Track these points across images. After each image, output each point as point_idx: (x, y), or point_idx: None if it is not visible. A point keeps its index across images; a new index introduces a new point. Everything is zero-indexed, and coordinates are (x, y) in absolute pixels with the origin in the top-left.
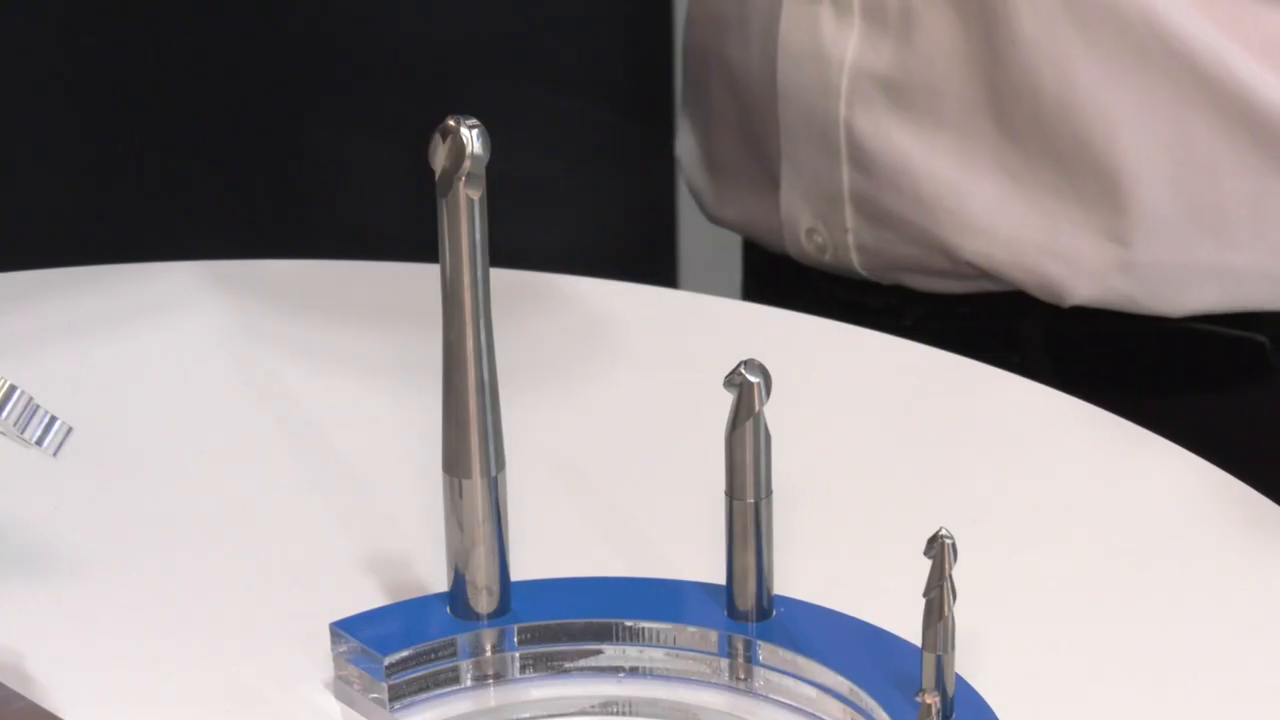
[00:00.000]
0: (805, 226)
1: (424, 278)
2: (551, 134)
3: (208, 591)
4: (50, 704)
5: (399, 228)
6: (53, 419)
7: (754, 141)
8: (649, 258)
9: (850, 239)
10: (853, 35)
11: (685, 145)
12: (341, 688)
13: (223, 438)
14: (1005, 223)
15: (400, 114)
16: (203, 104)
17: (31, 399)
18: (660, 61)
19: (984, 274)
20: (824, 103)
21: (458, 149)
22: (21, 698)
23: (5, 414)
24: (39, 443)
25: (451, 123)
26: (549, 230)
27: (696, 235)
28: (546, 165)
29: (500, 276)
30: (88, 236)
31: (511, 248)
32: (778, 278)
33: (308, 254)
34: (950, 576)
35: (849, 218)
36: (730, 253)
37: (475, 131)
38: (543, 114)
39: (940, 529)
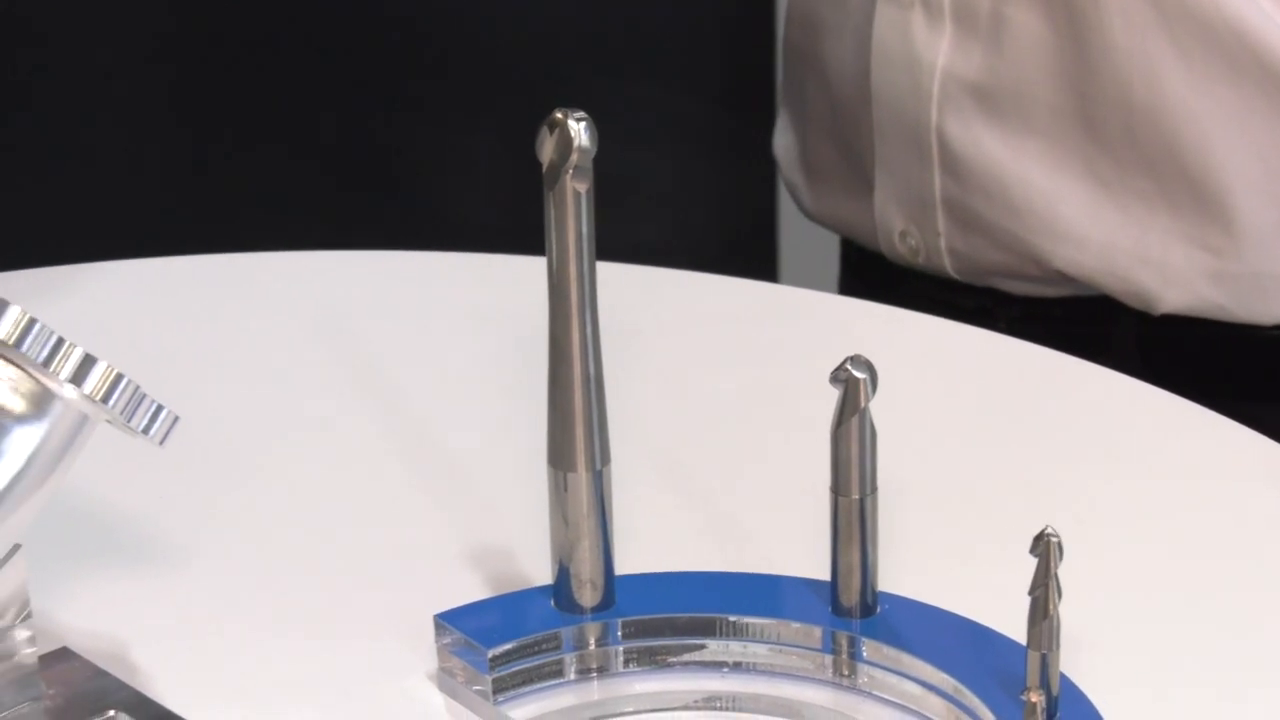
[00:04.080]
0: (898, 229)
1: (529, 270)
2: (653, 129)
3: (312, 583)
4: (154, 693)
5: (503, 220)
6: (159, 408)
7: (848, 143)
8: (750, 252)
9: (942, 243)
10: (944, 40)
11: (783, 143)
12: (445, 680)
13: (327, 430)
14: (1096, 230)
15: (504, 107)
16: (306, 96)
17: (138, 388)
18: (762, 58)
19: (1074, 281)
20: (916, 107)
21: (565, 141)
22: (126, 687)
23: (112, 403)
24: (145, 431)
25: (559, 115)
26: (650, 224)
27: (797, 230)
28: (648, 160)
29: (604, 270)
30: (187, 228)
31: (613, 242)
32: (874, 275)
33: (412, 246)
34: (1056, 575)
35: (941, 222)
36: (830, 248)
37: (583, 124)
38: (645, 109)
39: (1046, 527)
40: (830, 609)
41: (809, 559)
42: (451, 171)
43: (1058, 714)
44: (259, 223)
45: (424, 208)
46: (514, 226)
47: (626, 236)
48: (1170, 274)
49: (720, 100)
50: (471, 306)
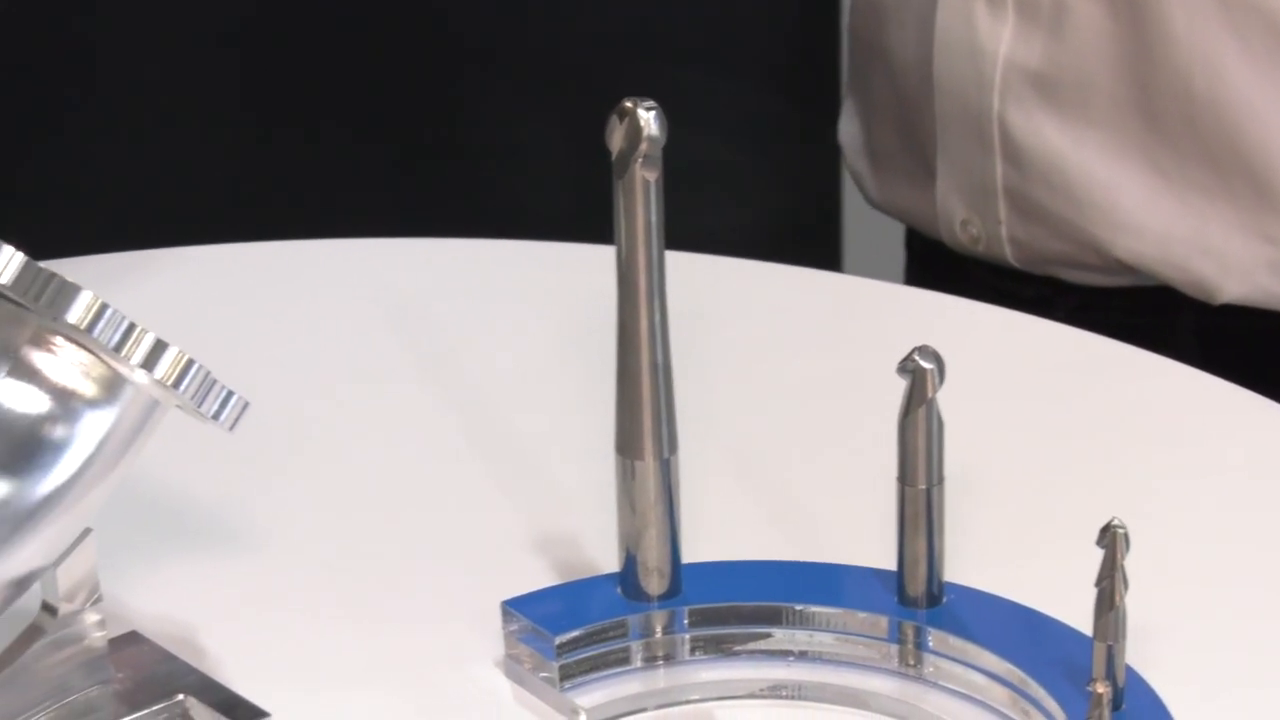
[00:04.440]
0: (960, 217)
1: (596, 258)
2: (717, 118)
3: (380, 569)
4: (222, 677)
5: (568, 208)
6: (229, 393)
7: (911, 131)
8: (813, 241)
9: (1003, 231)
10: (1006, 29)
11: (848, 131)
12: (512, 666)
13: (396, 417)
14: (1155, 220)
15: (570, 95)
16: (375, 83)
17: (209, 373)
18: (826, 46)
19: (1134, 271)
20: (978, 96)
21: (634, 130)
22: (195, 671)
23: (183, 388)
24: (215, 417)
25: (628, 104)
26: (712, 213)
27: (860, 220)
28: (711, 149)
29: (669, 258)
30: (256, 214)
31: (676, 230)
32: (938, 264)
33: (479, 233)
34: (1122, 566)
35: (1002, 211)
36: (893, 238)
37: (652, 113)
38: (709, 98)
39: (1113, 519)
40: (896, 599)
41: (875, 549)
42: (518, 159)
43: (1123, 705)
44: (327, 209)
45: (491, 195)
46: (580, 214)
47: (689, 225)
48: (1229, 264)
49: (784, 89)
50: (539, 294)
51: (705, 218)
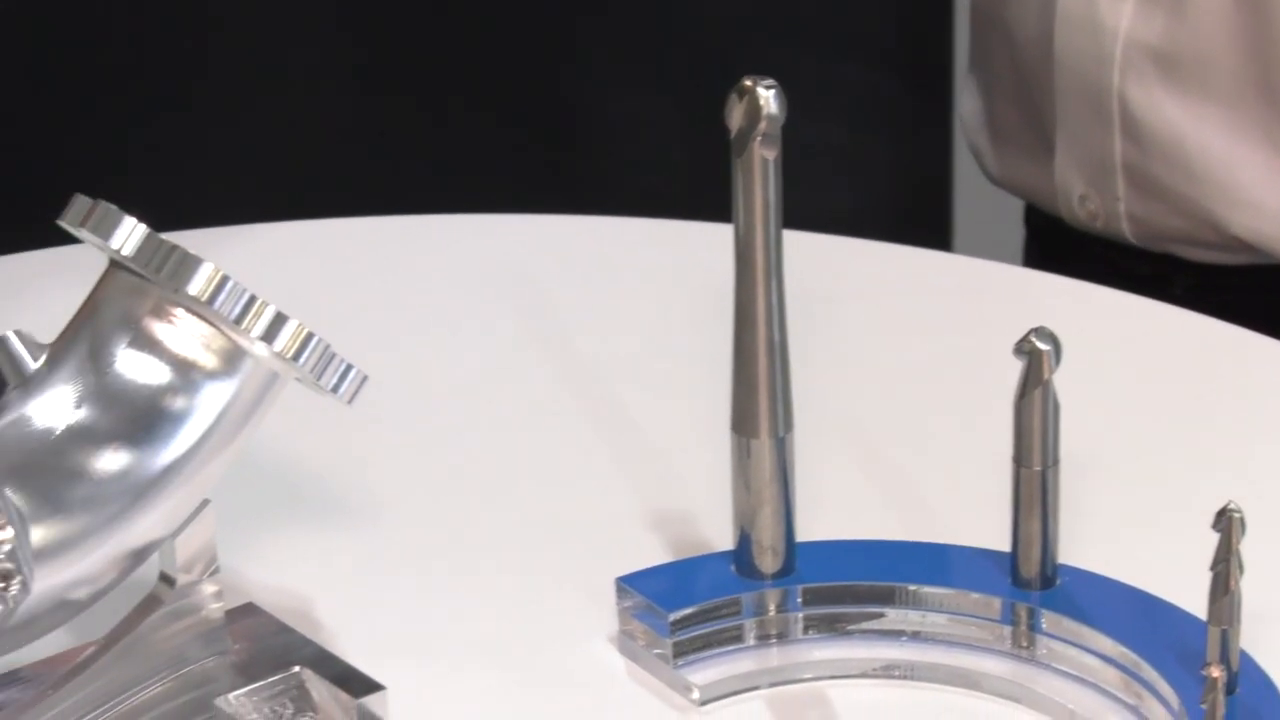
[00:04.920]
0: (1078, 193)
1: (711, 236)
2: (828, 97)
3: (495, 544)
4: (337, 649)
5: (681, 186)
6: (348, 367)
7: (1031, 106)
8: (923, 221)
9: (1121, 208)
10: (1128, 5)
11: (968, 107)
12: (625, 642)
13: (512, 392)
14: (1273, 197)
15: (682, 76)
16: (491, 61)
17: (329, 347)
18: (937, 25)
19: (1252, 248)
20: (1098, 71)
21: (754, 109)
22: (310, 643)
23: (302, 361)
24: (334, 390)
25: (748, 82)
26: (823, 192)
27: (972, 199)
28: (822, 128)
29: (785, 238)
30: (380, 190)
31: (788, 209)
32: (1056, 240)
33: (595, 211)
34: (1238, 550)
35: (1120, 187)
36: (1005, 218)
37: (772, 92)
38: (821, 77)
39: (1229, 503)
40: (1010, 580)
41: (989, 530)
42: (634, 138)
43: (1237, 689)
44: (448, 186)
45: (607, 173)
46: (694, 193)
47: (800, 204)
48: None
49: (895, 69)
50: (655, 271)
51: (816, 197)
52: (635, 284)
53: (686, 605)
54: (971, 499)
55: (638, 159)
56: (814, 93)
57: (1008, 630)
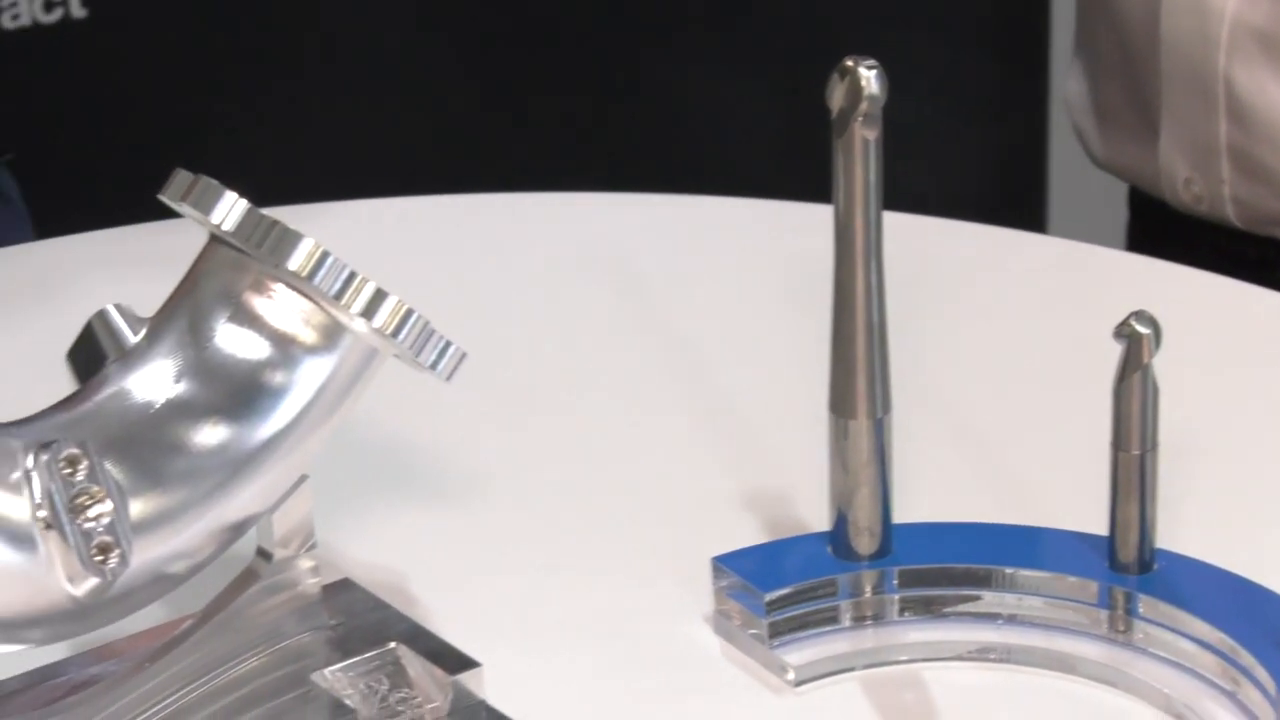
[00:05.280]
0: (1182, 176)
1: (808, 216)
2: (923, 78)
3: (591, 522)
4: (432, 626)
5: (778, 168)
6: (447, 344)
7: (1137, 89)
8: (1019, 204)
9: (1226, 191)
10: None
11: (1073, 88)
12: (721, 622)
13: (608, 372)
14: None
15: (777, 55)
16: (589, 40)
17: (427, 323)
18: (1034, 6)
19: None
20: (1204, 54)
21: (855, 89)
22: (406, 619)
23: (401, 337)
24: (433, 367)
25: (849, 63)
26: (918, 174)
27: (1066, 181)
28: (917, 109)
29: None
30: (468, 169)
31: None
32: (1160, 222)
33: (689, 190)
34: None
35: (1225, 170)
36: (1104, 200)
37: (874, 72)
38: (916, 58)
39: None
40: (1107, 564)
41: (1087, 514)
42: (728, 117)
43: None
44: (537, 164)
45: (701, 152)
46: (787, 173)
47: (896, 186)
48: None
49: (992, 50)
50: (750, 251)
51: (909, 179)
52: (731, 264)
53: (782, 586)
54: (1069, 482)
55: (733, 138)
56: (910, 74)
57: (1104, 614)
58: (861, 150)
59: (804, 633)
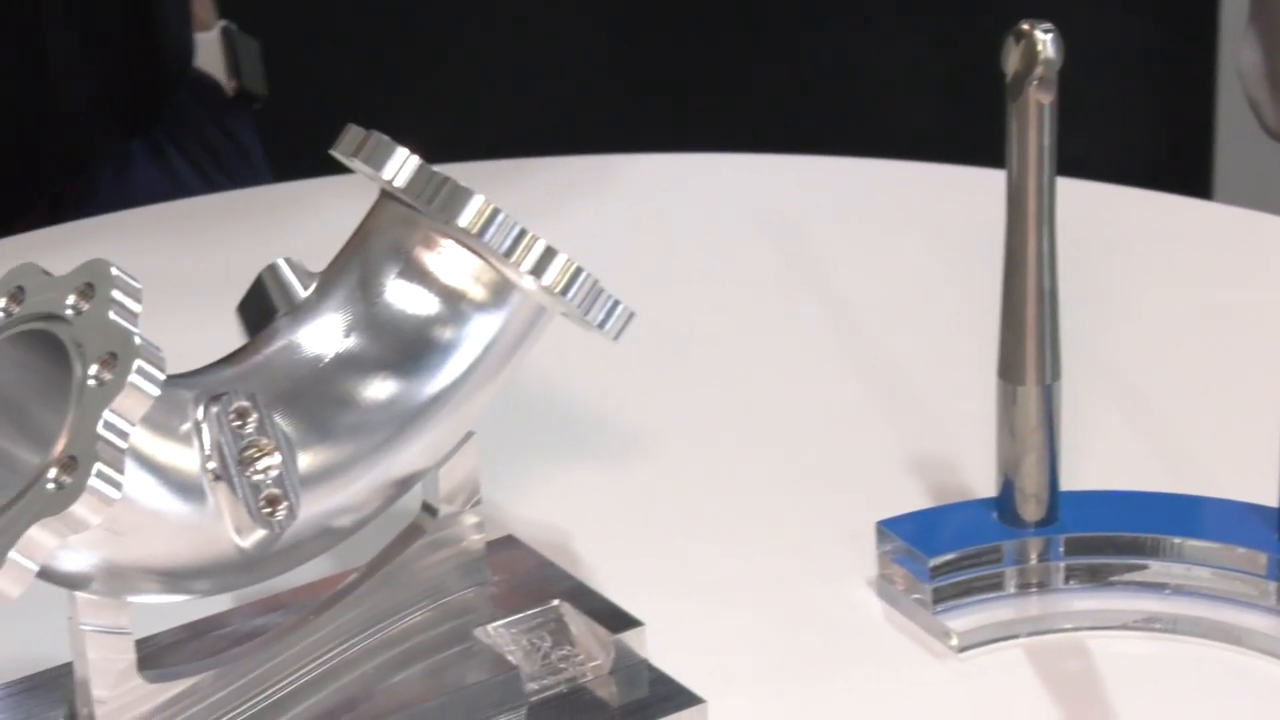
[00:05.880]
0: None
1: (972, 181)
2: (1087, 45)
3: (755, 484)
4: (595, 584)
5: (940, 130)
6: (615, 303)
7: None
8: (1184, 171)
9: None
10: None
11: (1247, 58)
12: (884, 586)
13: (773, 333)
14: None
15: (948, 18)
16: (760, 6)
17: (596, 282)
18: None
19: None
20: None
21: (1030, 53)
22: (569, 577)
23: (570, 296)
24: (601, 326)
25: (1025, 26)
26: (1084, 140)
27: (1235, 150)
28: (1084, 76)
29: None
30: (638, 130)
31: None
32: None
33: (852, 153)
34: None
35: None
36: (1273, 169)
37: (1050, 36)
38: (1082, 24)
39: None
40: (1277, 535)
41: (1257, 483)
42: (891, 78)
43: None
44: (710, 124)
45: (863, 113)
46: (949, 135)
47: (1061, 150)
48: None
49: (1160, 16)
50: (919, 215)
51: (1076, 144)
52: (899, 227)
53: (947, 551)
54: (1239, 452)
55: (898, 100)
56: (1078, 40)
57: (1273, 586)
58: (1036, 114)
59: (968, 599)
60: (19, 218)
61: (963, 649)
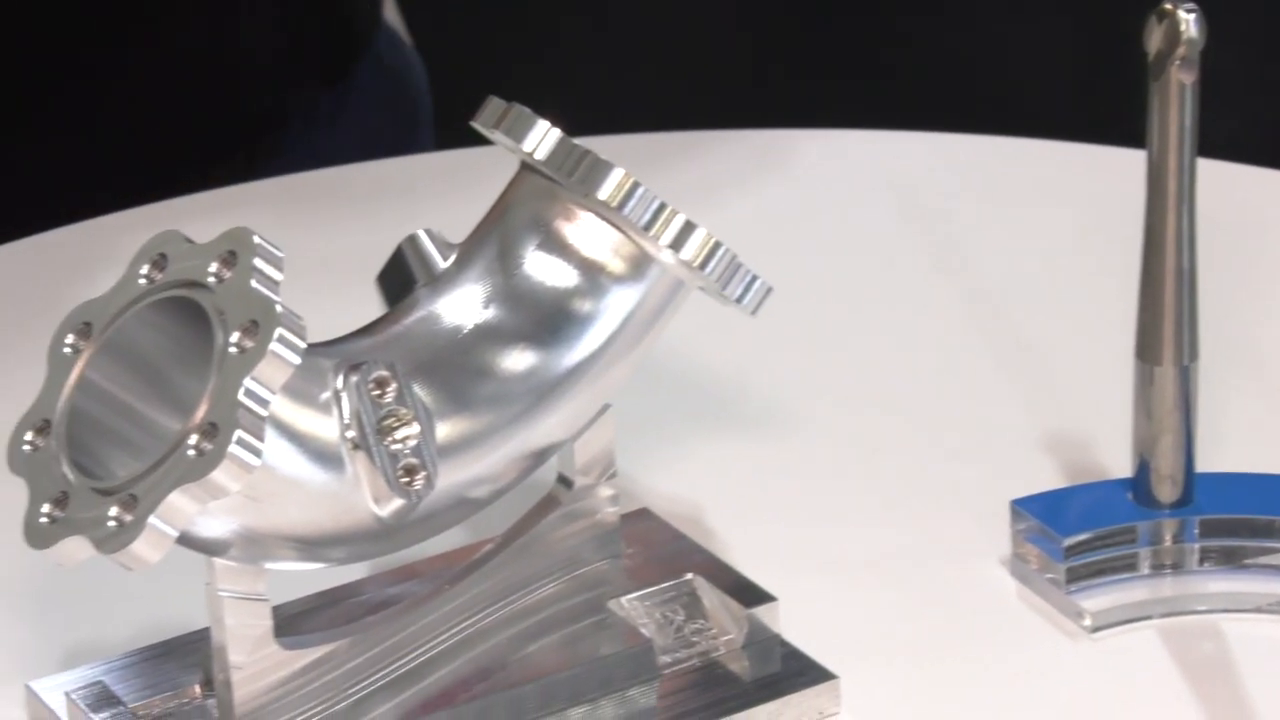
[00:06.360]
0: None
1: (1107, 160)
2: (1225, 23)
3: (890, 460)
4: (728, 558)
5: (1074, 108)
6: (753, 278)
7: None
8: None
9: None
10: None
11: None
12: (1018, 565)
13: (910, 310)
14: None
15: None
16: None
17: (735, 256)
18: None
19: None
20: None
21: (1173, 32)
22: (703, 551)
23: (709, 270)
24: (739, 300)
25: (1168, 5)
26: (1225, 119)
27: None
28: (1222, 56)
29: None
30: (767, 104)
31: None
32: None
33: (986, 130)
34: None
35: None
36: None
37: (1193, 16)
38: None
39: None
40: None
41: None
42: (1027, 55)
43: None
44: (841, 100)
45: (1006, 92)
46: (1093, 116)
47: (1202, 130)
48: None
49: None
50: (1056, 194)
51: (1219, 124)
52: (1036, 206)
53: (1081, 531)
54: None
55: (1034, 78)
56: (1214, 18)
57: None
58: (1178, 94)
59: (1101, 579)
60: (212, 172)
61: (1096, 629)
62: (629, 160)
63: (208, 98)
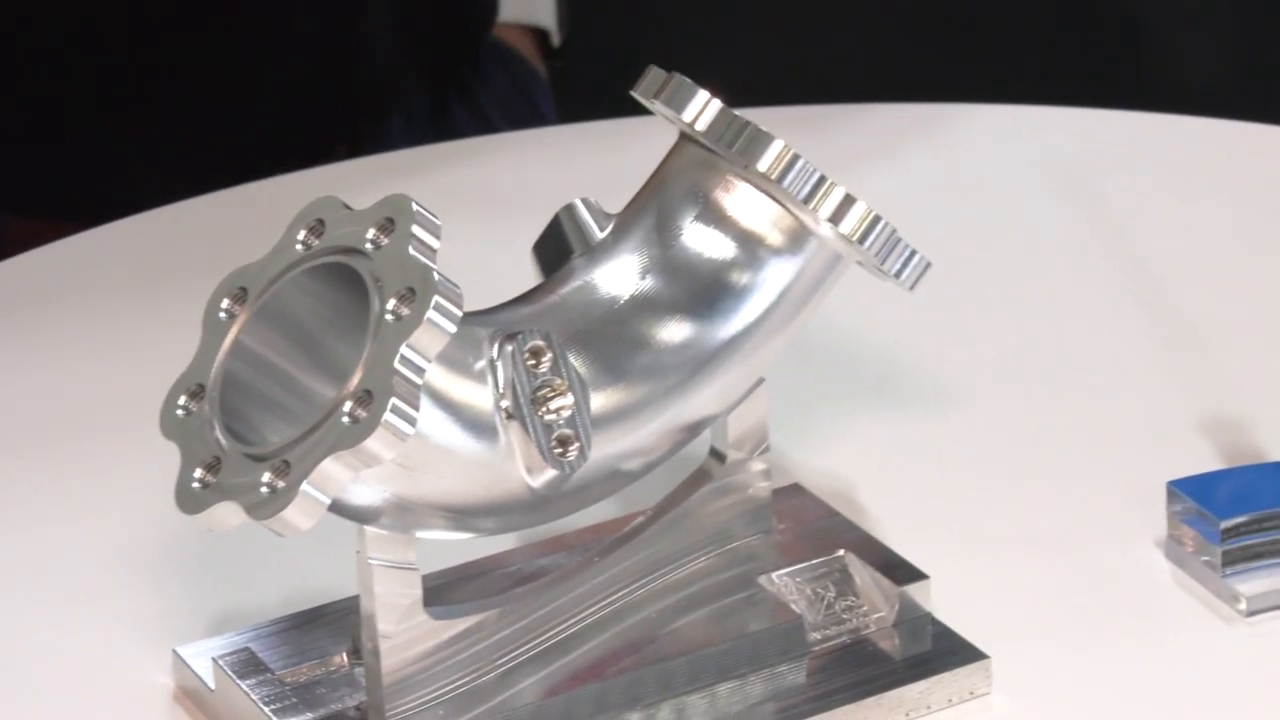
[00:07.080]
0: None
1: (1270, 140)
2: None
3: (1045, 439)
4: (880, 535)
5: (1231, 86)
6: (912, 253)
7: None
8: None
9: None
10: None
11: None
12: (1172, 547)
13: (1066, 288)
14: None
15: None
16: None
17: (894, 231)
18: None
19: None
20: None
21: None
22: (855, 528)
23: (868, 244)
24: (897, 276)
25: None
26: None
27: None
28: None
29: None
30: (919, 80)
31: None
32: None
33: (1142, 107)
34: None
35: None
36: None
37: None
38: None
39: None
40: None
41: None
42: (1184, 32)
43: None
44: (996, 77)
45: (1165, 69)
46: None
47: None
48: None
49: None
50: (1215, 173)
51: None
52: (1196, 184)
53: (1239, 514)
54: None
55: (1191, 56)
56: None
57: None
58: None
59: (1258, 563)
60: (320, 160)
61: (1251, 613)
62: (776, 132)
63: (323, 86)
